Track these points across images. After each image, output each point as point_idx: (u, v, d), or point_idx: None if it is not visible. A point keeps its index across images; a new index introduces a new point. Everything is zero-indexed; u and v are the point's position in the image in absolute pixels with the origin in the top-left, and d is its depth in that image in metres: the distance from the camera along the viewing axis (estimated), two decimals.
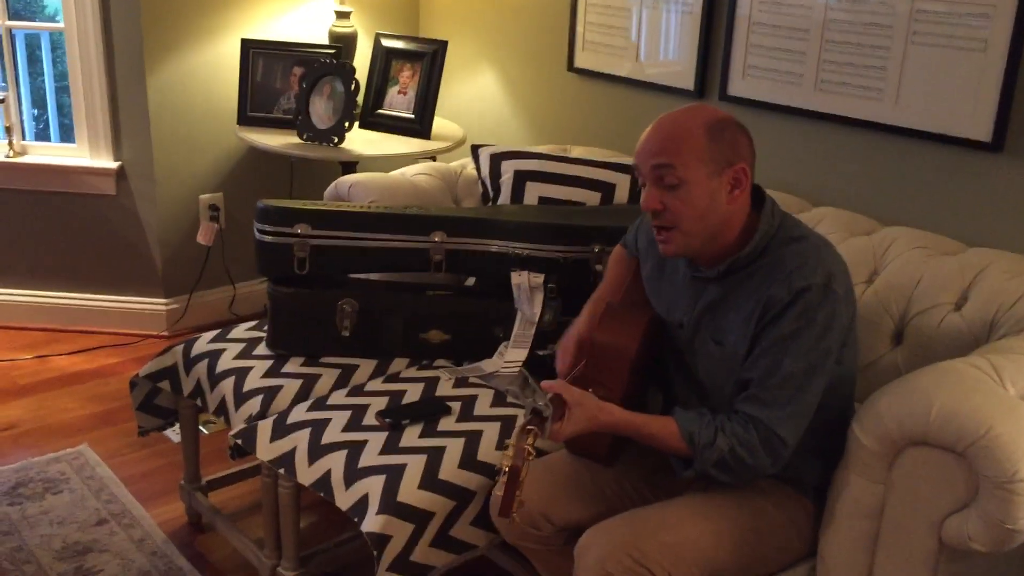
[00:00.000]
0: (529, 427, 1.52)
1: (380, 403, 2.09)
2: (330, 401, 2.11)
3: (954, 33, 2.20)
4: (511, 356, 2.26)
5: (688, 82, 2.80)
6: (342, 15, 3.39)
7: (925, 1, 2.24)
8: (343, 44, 3.35)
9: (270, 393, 2.14)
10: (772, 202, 1.71)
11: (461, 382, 2.20)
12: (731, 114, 1.69)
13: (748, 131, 1.68)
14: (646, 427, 1.66)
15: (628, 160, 2.67)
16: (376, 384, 2.19)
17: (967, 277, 2.00)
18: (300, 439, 1.98)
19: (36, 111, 4.13)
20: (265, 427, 2.03)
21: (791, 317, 1.60)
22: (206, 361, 2.28)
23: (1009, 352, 1.65)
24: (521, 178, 2.63)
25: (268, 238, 2.25)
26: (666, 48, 2.87)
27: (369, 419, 2.03)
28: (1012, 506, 1.42)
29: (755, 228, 1.68)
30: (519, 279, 2.27)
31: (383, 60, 3.36)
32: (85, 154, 3.40)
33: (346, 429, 1.99)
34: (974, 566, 1.59)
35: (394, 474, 1.84)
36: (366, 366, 2.27)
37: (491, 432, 1.99)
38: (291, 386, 2.16)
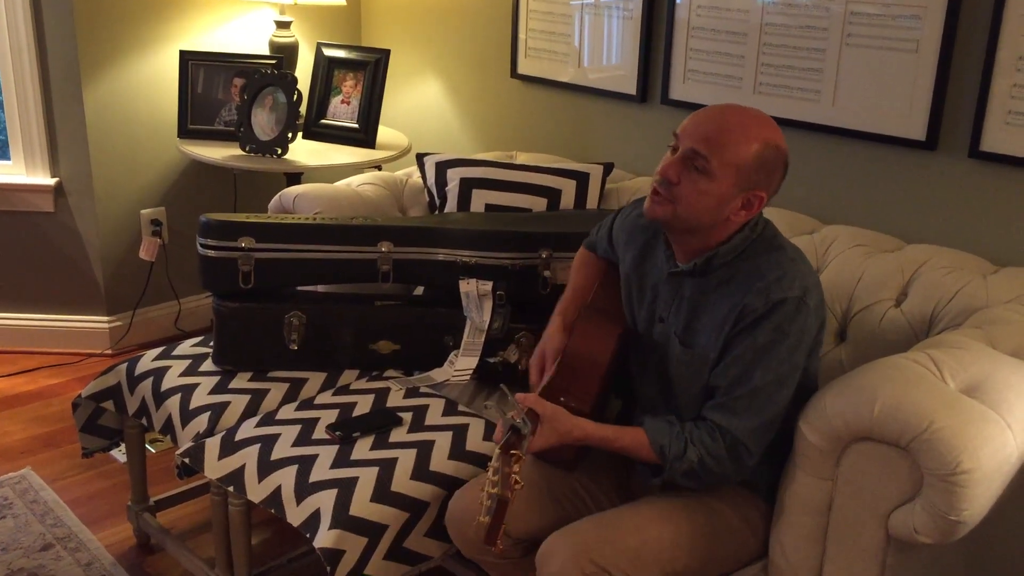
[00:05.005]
0: (512, 451, 1.51)
1: (330, 416, 2.07)
2: (279, 416, 2.09)
3: (887, 35, 2.25)
4: (461, 364, 2.26)
5: (630, 87, 2.82)
6: (282, 25, 3.35)
7: (858, 3, 2.28)
8: (284, 54, 3.32)
9: (217, 410, 2.11)
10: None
11: (412, 392, 2.19)
12: (786, 147, 1.69)
13: (787, 169, 1.70)
14: (618, 440, 1.68)
15: (574, 165, 2.69)
16: (326, 397, 2.17)
17: (906, 273, 2.04)
18: (249, 456, 1.95)
19: None
20: (213, 445, 2.00)
21: (766, 329, 1.62)
22: (151, 379, 2.24)
23: (948, 346, 1.68)
24: (467, 186, 2.63)
25: (212, 252, 2.22)
26: (608, 53, 2.89)
27: (319, 433, 2.01)
28: (955, 498, 1.45)
29: (738, 230, 1.70)
30: (467, 287, 2.26)
31: (325, 70, 3.34)
32: (21, 171, 3.33)
33: (296, 444, 1.97)
34: (921, 558, 1.62)
35: (346, 488, 1.83)
36: (315, 379, 2.24)
37: (443, 442, 1.98)
38: (239, 402, 2.14)
